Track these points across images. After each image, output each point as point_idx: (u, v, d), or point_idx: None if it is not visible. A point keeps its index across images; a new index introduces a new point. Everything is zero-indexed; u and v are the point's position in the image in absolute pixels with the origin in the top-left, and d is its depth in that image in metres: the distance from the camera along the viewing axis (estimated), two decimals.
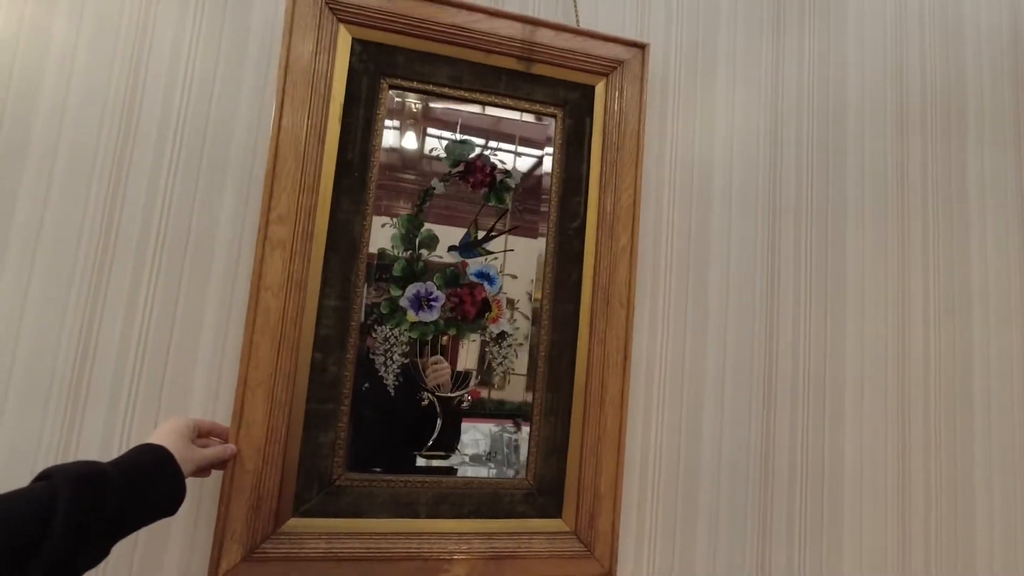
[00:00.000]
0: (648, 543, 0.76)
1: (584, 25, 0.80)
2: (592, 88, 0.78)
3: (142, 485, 0.47)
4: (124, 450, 0.52)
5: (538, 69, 0.76)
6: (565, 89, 0.77)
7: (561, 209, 0.76)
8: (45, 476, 0.42)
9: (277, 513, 0.63)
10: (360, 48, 0.70)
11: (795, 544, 0.81)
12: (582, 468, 0.72)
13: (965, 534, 0.87)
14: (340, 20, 0.69)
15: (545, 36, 0.76)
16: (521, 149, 0.77)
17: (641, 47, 0.79)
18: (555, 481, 0.72)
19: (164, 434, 0.53)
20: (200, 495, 0.63)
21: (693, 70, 0.86)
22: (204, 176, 0.67)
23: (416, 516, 0.67)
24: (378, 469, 0.68)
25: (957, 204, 0.93)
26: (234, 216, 0.68)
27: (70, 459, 0.57)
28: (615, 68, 0.78)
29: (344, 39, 0.70)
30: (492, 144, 0.75)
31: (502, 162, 0.75)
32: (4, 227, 0.61)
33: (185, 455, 0.52)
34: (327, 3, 0.69)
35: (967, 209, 0.94)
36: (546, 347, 0.73)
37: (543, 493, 0.71)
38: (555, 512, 0.71)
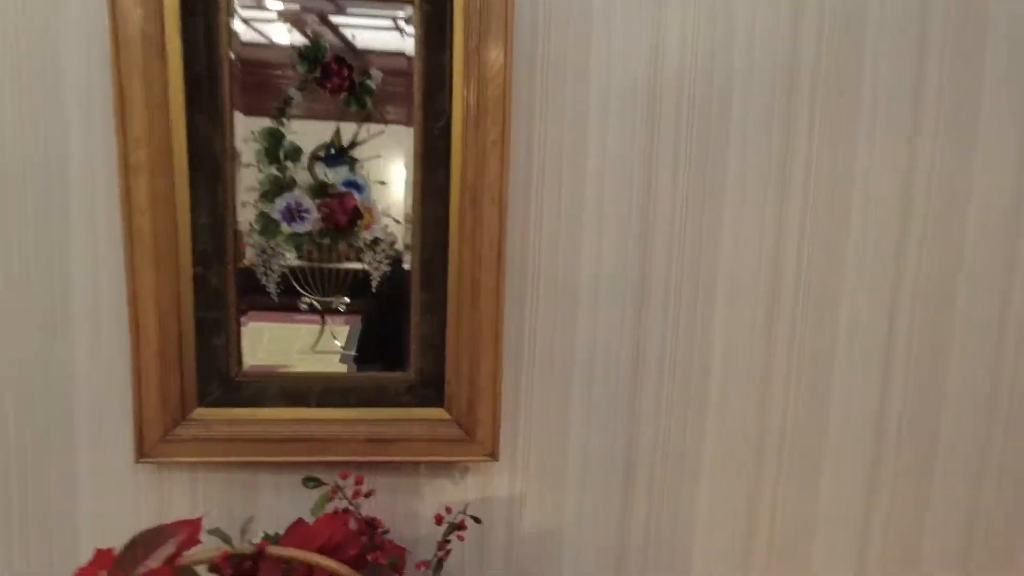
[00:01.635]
0: (524, 428, 0.82)
1: None
2: None
3: None
4: None
5: None
6: None
7: (425, 108, 0.73)
8: None
9: (183, 404, 0.73)
10: None
11: (661, 424, 0.83)
12: (459, 362, 0.76)
13: (819, 411, 0.87)
14: None
15: None
16: (380, 46, 0.73)
17: None
18: (435, 374, 0.77)
19: None
20: (108, 389, 0.74)
21: None
22: (38, 92, 0.70)
23: (307, 405, 0.76)
24: (271, 365, 0.76)
25: (846, 116, 0.80)
26: (83, 135, 0.71)
27: None
28: None
29: None
30: (349, 43, 0.72)
31: (359, 63, 0.72)
32: None
33: None
34: None
35: (856, 121, 0.80)
36: (418, 250, 0.75)
37: (424, 385, 0.77)
38: (436, 402, 0.78)
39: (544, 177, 0.78)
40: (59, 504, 0.76)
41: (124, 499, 0.77)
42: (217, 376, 0.74)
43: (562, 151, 0.78)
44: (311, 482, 0.64)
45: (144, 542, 0.54)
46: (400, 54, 0.73)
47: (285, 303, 0.75)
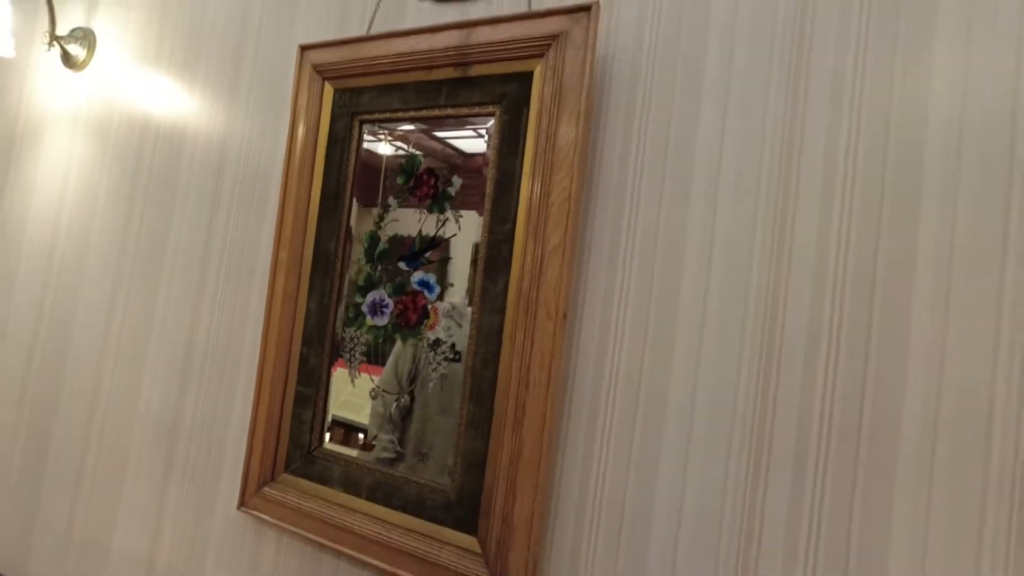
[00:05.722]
0: None
1: (538, 6, 0.73)
2: (530, 74, 0.70)
3: None
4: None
5: (477, 70, 0.74)
6: (502, 83, 0.72)
7: (493, 213, 0.71)
8: None
9: (275, 465, 0.83)
10: (338, 96, 0.84)
11: None
12: (495, 491, 0.67)
13: None
14: (324, 79, 0.85)
15: (482, 35, 0.73)
16: (466, 153, 0.76)
17: (586, 9, 0.66)
18: (473, 496, 0.69)
19: None
20: (237, 450, 0.89)
21: (675, 34, 0.66)
22: (255, 209, 0.94)
23: (359, 496, 0.77)
24: (339, 447, 0.81)
25: None
26: (268, 240, 0.92)
27: None
28: (551, 43, 0.68)
29: (328, 93, 0.85)
30: (439, 156, 0.78)
31: (446, 171, 0.77)
32: None
33: None
34: (315, 69, 0.85)
35: None
36: (472, 358, 0.71)
37: (461, 505, 0.70)
38: (471, 528, 0.69)
39: (628, 291, 0.66)
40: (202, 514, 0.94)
41: (234, 538, 0.89)
42: (300, 448, 0.82)
43: (653, 266, 0.65)
44: None
45: None
46: (481, 159, 0.74)
47: (361, 390, 0.80)
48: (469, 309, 0.72)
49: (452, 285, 0.75)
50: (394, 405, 0.77)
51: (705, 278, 0.62)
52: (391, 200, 0.80)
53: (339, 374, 0.82)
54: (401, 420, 0.77)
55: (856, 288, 0.56)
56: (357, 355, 0.81)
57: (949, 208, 0.53)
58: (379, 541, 0.73)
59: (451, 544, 0.69)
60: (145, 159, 1.05)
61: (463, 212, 0.75)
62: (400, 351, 0.77)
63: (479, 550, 0.68)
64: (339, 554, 0.78)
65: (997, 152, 0.52)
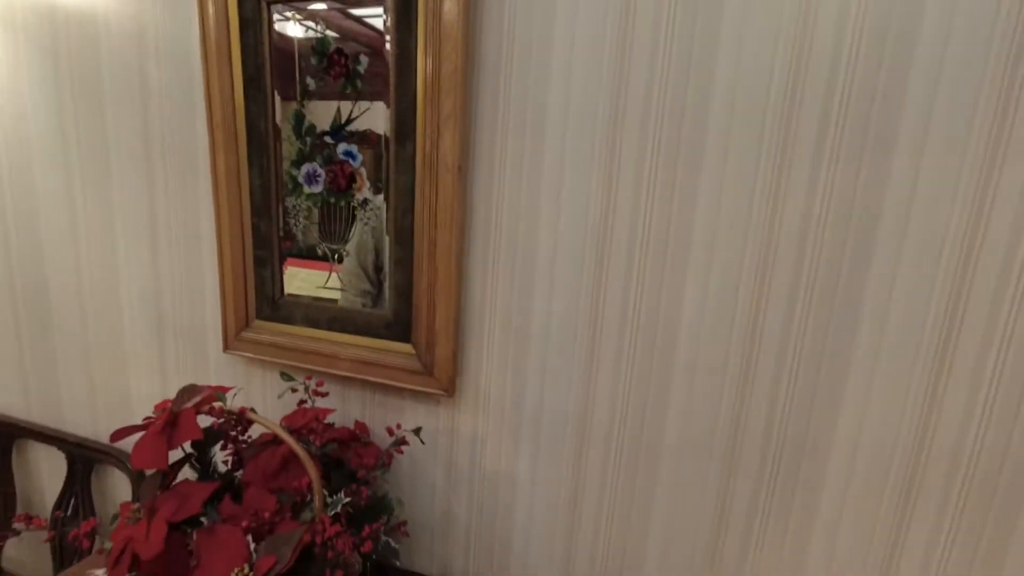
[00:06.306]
0: (486, 377, 0.91)
1: None
2: None
3: None
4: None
5: None
6: None
7: (398, 86, 0.84)
8: None
9: (247, 315, 1.03)
10: None
11: (620, 386, 0.82)
12: (421, 309, 0.90)
13: None
14: None
15: None
16: (370, 34, 0.86)
17: None
18: (405, 316, 0.92)
19: None
20: (215, 306, 1.07)
21: None
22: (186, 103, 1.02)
23: (319, 328, 0.99)
24: (298, 295, 1.01)
25: None
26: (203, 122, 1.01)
27: None
28: None
29: None
30: (351, 34, 0.87)
31: (355, 51, 0.87)
32: None
33: None
34: None
35: None
36: (392, 211, 0.89)
37: (397, 324, 0.93)
38: (406, 338, 0.93)
39: (507, 148, 0.83)
40: (198, 366, 1.15)
41: (227, 375, 1.12)
42: (266, 298, 1.02)
43: (525, 124, 0.81)
44: (285, 376, 0.87)
45: (189, 391, 0.82)
46: (382, 39, 0.85)
47: (309, 252, 0.98)
48: (382, 198, 0.89)
49: (371, 153, 0.90)
50: (346, 262, 0.96)
51: (562, 139, 0.79)
52: (309, 80, 0.91)
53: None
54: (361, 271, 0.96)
55: (667, 152, 0.75)
56: (300, 219, 0.97)
57: (726, 120, 0.71)
58: (339, 356, 0.97)
59: (393, 351, 0.94)
60: (62, 50, 1.08)
61: (372, 103, 0.87)
62: (359, 240, 0.94)
63: (413, 352, 0.92)
64: (311, 372, 1.02)
65: (758, 83, 0.68)
